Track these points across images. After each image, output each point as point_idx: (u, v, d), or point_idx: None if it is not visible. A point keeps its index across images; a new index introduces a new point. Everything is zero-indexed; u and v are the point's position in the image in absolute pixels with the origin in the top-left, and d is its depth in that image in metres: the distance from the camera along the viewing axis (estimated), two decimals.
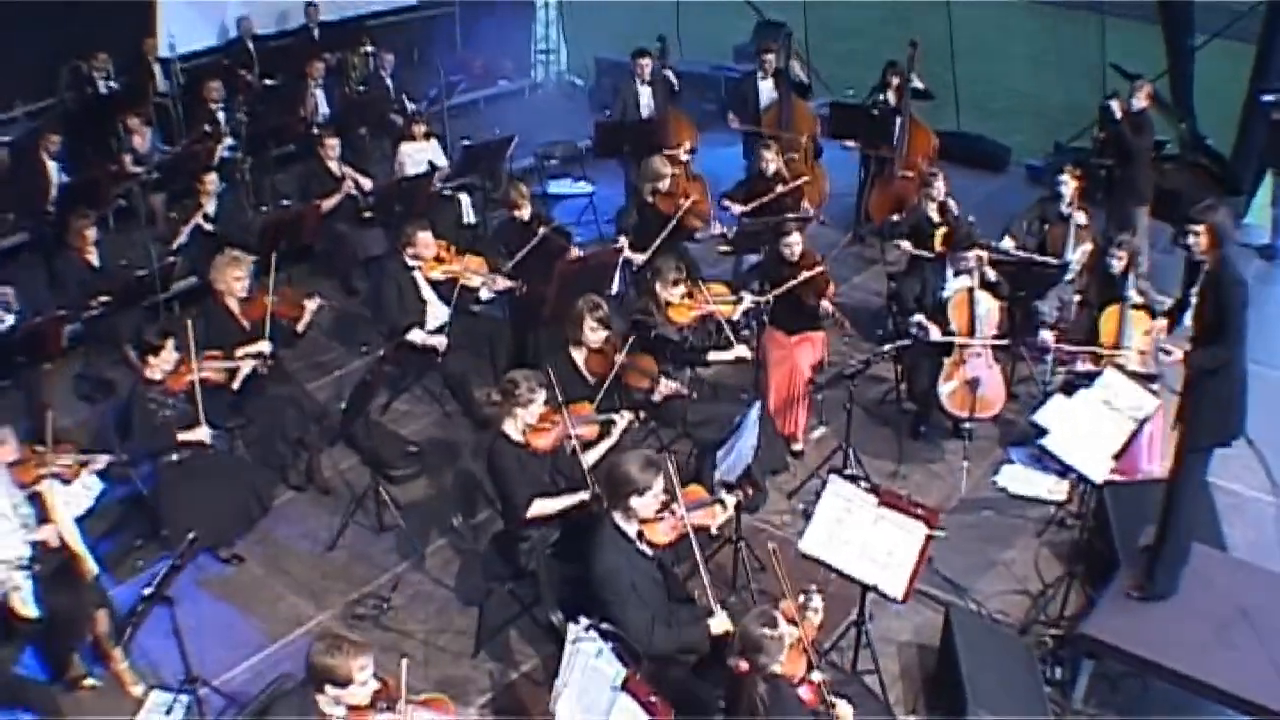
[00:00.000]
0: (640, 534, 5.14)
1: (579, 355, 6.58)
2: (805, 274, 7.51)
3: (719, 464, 6.00)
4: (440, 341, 7.50)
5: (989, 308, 7.59)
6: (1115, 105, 9.31)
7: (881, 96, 10.40)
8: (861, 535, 5.42)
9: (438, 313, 7.67)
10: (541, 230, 8.08)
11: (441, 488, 7.36)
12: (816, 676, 4.71)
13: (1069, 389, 6.64)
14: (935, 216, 8.75)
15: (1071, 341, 7.52)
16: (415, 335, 7.51)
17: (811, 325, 7.81)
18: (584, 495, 5.63)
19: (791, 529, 6.98)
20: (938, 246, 8.43)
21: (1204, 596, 5.89)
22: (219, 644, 6.03)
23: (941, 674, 5.86)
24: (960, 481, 7.49)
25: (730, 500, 5.63)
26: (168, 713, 5.40)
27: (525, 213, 8.28)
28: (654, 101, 10.29)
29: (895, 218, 10.23)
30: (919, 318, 7.57)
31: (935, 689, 5.91)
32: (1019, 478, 7.57)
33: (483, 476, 5.98)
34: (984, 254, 7.62)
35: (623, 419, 6.07)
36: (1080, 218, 8.62)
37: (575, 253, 8.18)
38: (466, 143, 10.27)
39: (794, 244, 7.65)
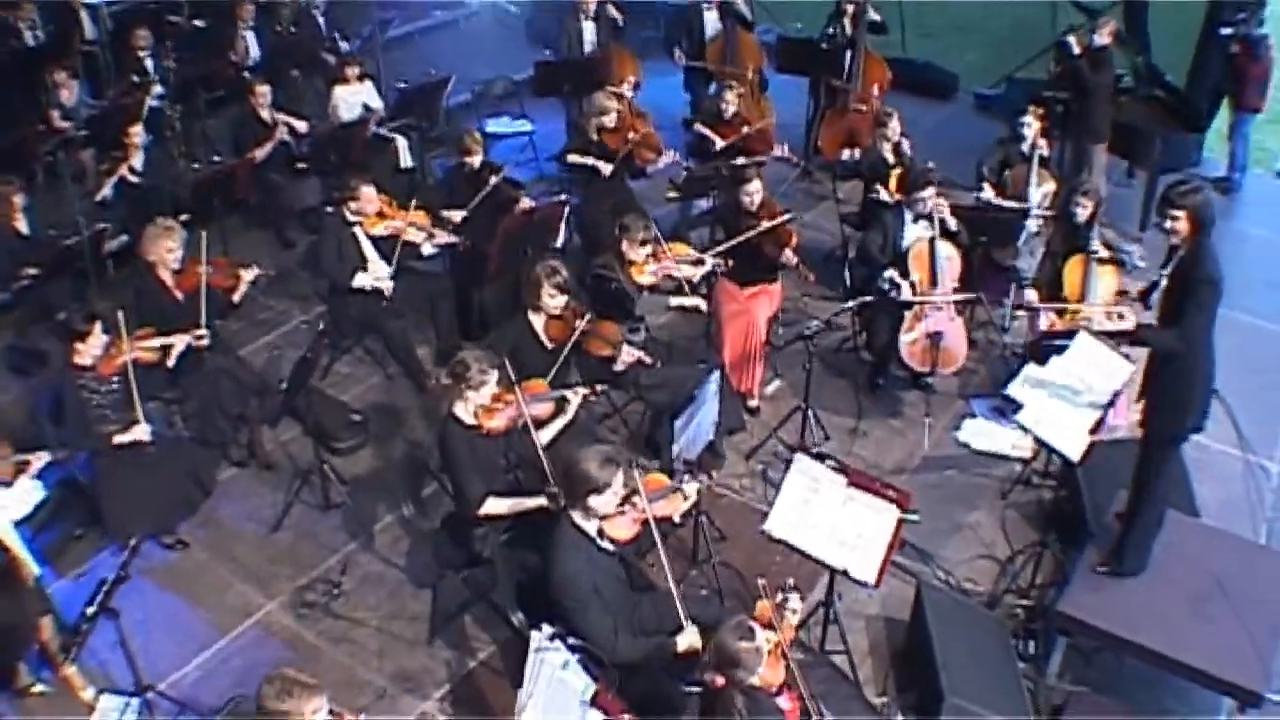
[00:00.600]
0: (601, 531, 4.86)
1: (538, 321, 6.23)
2: (766, 224, 7.17)
3: (677, 436, 5.70)
4: (388, 285, 7.15)
5: (950, 256, 7.32)
6: (1073, 41, 9.00)
7: (834, 29, 9.98)
8: (830, 517, 5.20)
9: (379, 270, 7.27)
10: (493, 179, 7.66)
11: (388, 458, 7.03)
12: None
13: (1038, 353, 6.43)
14: (890, 157, 8.47)
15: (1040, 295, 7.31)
16: (361, 279, 7.16)
17: (767, 277, 7.50)
18: (541, 500, 5.33)
19: (751, 493, 6.83)
20: (892, 188, 8.25)
21: (1177, 567, 5.76)
22: (168, 639, 5.74)
23: (912, 651, 5.70)
24: (923, 438, 7.31)
25: (692, 488, 5.36)
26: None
27: (476, 160, 7.86)
28: (597, 37, 9.83)
29: (846, 154, 10.00)
30: (891, 273, 7.28)
31: (906, 665, 5.75)
32: (982, 432, 7.40)
33: (430, 449, 5.74)
34: (941, 199, 7.34)
35: (576, 395, 5.77)
36: (1044, 148, 8.38)
37: (526, 203, 7.79)
38: (402, 85, 9.82)
39: (754, 192, 7.30)
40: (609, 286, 6.55)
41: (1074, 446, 5.46)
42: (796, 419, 7.07)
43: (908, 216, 7.40)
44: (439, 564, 5.70)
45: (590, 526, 4.78)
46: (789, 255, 7.28)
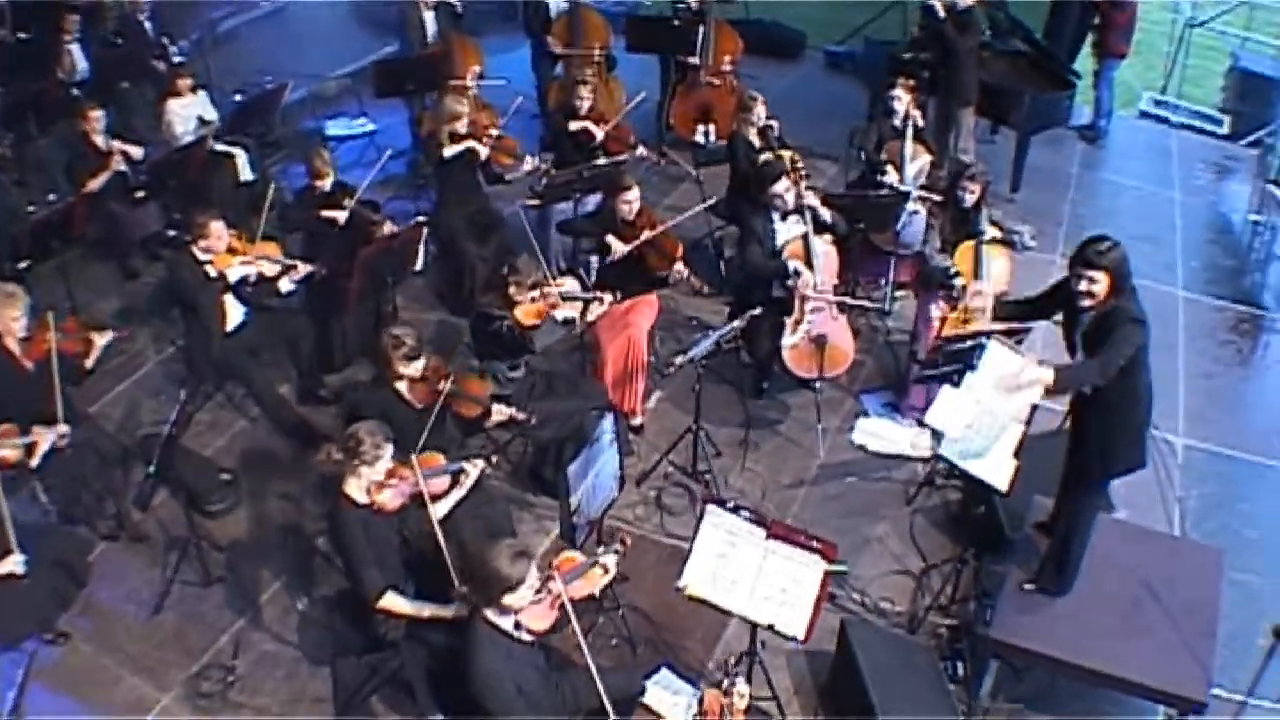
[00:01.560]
0: (517, 624, 4.37)
1: (402, 386, 5.69)
2: (647, 234, 6.74)
3: (573, 487, 5.21)
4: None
5: (826, 252, 6.96)
6: (938, 4, 8.71)
7: (683, 2, 9.49)
8: (751, 572, 4.82)
9: (234, 312, 6.65)
10: (347, 203, 7.05)
11: (263, 517, 6.43)
12: None
13: (938, 359, 6.12)
14: (756, 141, 8.07)
15: (930, 287, 7.01)
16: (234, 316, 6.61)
17: (644, 287, 7.00)
18: (447, 611, 4.82)
19: (648, 523, 6.44)
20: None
21: (1105, 574, 5.57)
22: None
23: (841, 686, 5.38)
24: (816, 444, 6.99)
25: (611, 559, 4.94)
26: None
27: (327, 183, 7.21)
28: (436, 26, 9.21)
29: (701, 130, 9.61)
30: (795, 264, 6.82)
31: (835, 702, 5.44)
32: (877, 433, 7.12)
33: (309, 510, 5.64)
34: (809, 193, 6.96)
35: (474, 467, 5.31)
36: (918, 118, 8.10)
37: (387, 227, 7.17)
38: (238, 97, 9.18)
39: (632, 200, 6.83)
40: (495, 329, 6.07)
41: (1001, 477, 5.20)
42: (687, 439, 6.68)
43: (774, 214, 6.97)
44: (336, 649, 5.22)
45: (506, 622, 4.35)
46: (680, 269, 6.85)
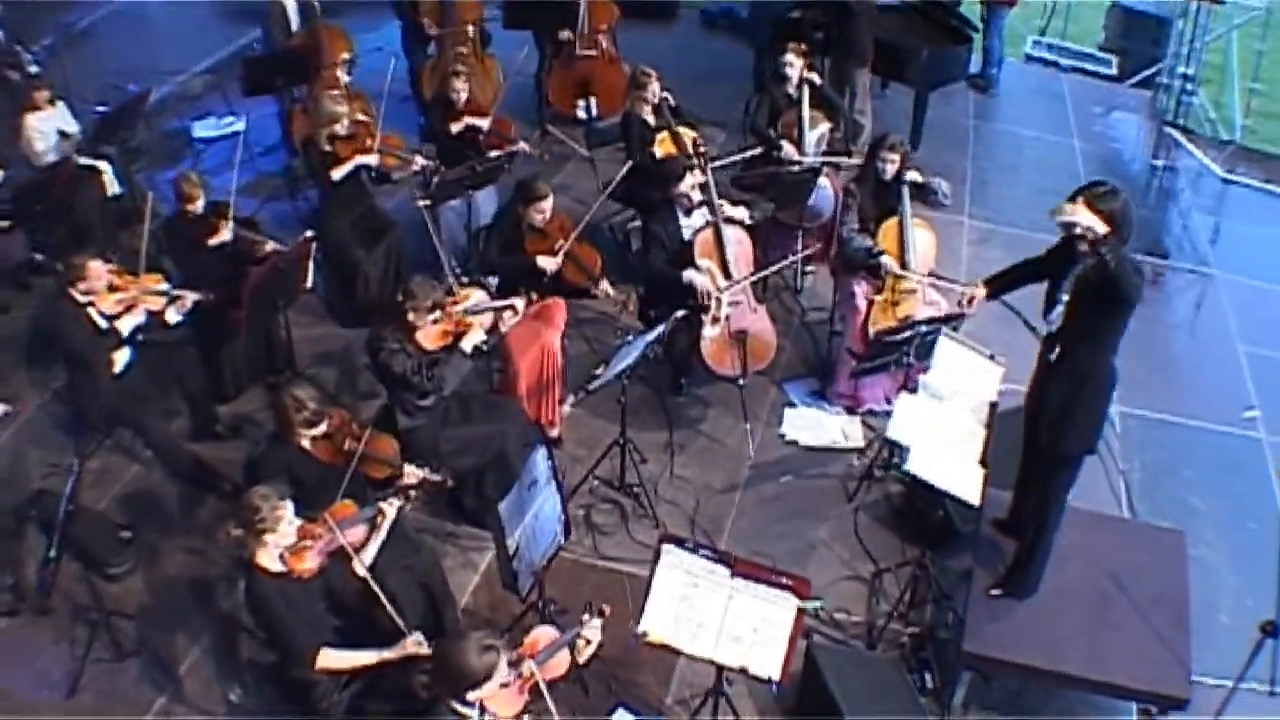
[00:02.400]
0: (483, 709, 3.99)
1: (306, 443, 5.16)
2: (563, 244, 6.34)
3: (508, 529, 4.77)
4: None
5: (739, 240, 6.64)
6: None
7: None
8: (717, 614, 4.46)
9: (121, 354, 6.00)
10: (225, 226, 6.44)
11: (170, 578, 5.84)
12: None
13: (884, 355, 5.84)
14: (651, 119, 7.65)
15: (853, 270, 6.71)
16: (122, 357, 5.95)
17: (552, 290, 6.55)
18: (395, 652, 4.46)
19: (580, 546, 6.02)
20: (664, 150, 7.51)
21: (1071, 570, 5.42)
22: None
23: (811, 713, 5.08)
24: (743, 443, 6.65)
25: (594, 628, 4.54)
26: None
27: (199, 205, 6.55)
28: (300, 15, 8.56)
29: (581, 104, 9.15)
30: (690, 274, 6.43)
31: None
32: (806, 424, 6.84)
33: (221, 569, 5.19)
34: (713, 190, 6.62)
35: (391, 507, 4.84)
36: (816, 79, 7.79)
37: (270, 246, 6.58)
38: (101, 109, 8.36)
39: (546, 208, 6.36)
40: (398, 373, 5.48)
41: (971, 489, 4.97)
42: (612, 453, 6.26)
43: (679, 210, 6.60)
44: None
45: (473, 713, 3.94)
46: (606, 287, 6.54)
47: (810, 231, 7.67)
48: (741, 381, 6.63)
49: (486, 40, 9.00)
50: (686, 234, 6.56)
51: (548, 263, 6.45)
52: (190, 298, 6.14)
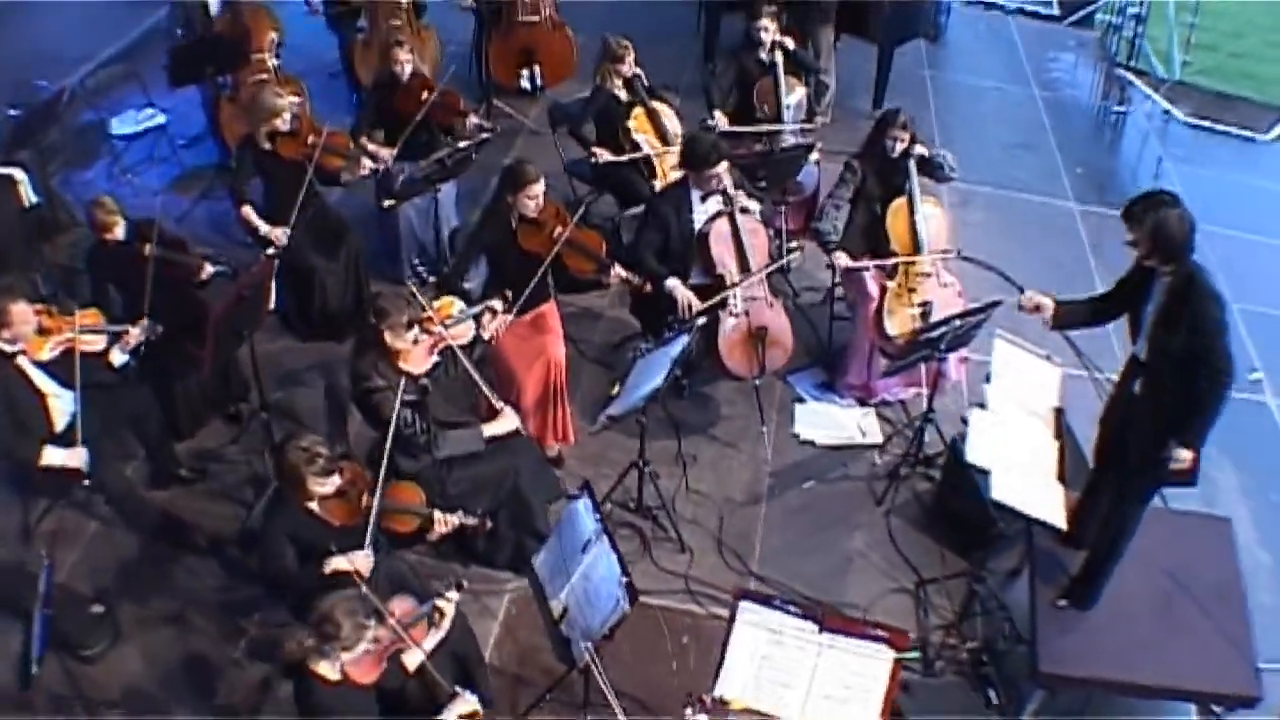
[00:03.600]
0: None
1: (315, 506, 4.71)
2: (561, 231, 5.84)
3: (548, 590, 4.52)
4: (82, 458, 5.26)
5: (753, 229, 6.34)
6: None
7: None
8: (805, 672, 4.22)
9: (63, 404, 5.42)
10: (149, 252, 5.77)
11: (154, 653, 5.30)
12: None
13: (919, 353, 5.66)
14: (623, 94, 7.30)
15: (858, 256, 6.49)
16: (52, 456, 5.28)
17: (543, 295, 6.15)
18: None
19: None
20: (637, 130, 7.22)
21: (1130, 571, 5.27)
22: None
23: None
24: (758, 447, 6.43)
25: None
26: None
27: (119, 230, 5.92)
28: None
29: (525, 74, 8.79)
30: (672, 283, 6.14)
31: None
32: (819, 421, 6.65)
33: None
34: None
35: (450, 605, 4.48)
36: (789, 43, 7.49)
37: (207, 269, 6.07)
38: (13, 113, 7.66)
39: (539, 193, 5.83)
40: (387, 419, 5.02)
41: (1057, 511, 4.82)
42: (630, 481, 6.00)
43: (694, 195, 6.25)
44: None
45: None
46: (619, 271, 6.03)
47: (791, 206, 7.46)
48: (757, 381, 6.42)
49: (421, 10, 8.50)
50: (699, 223, 6.26)
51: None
52: (135, 334, 5.58)
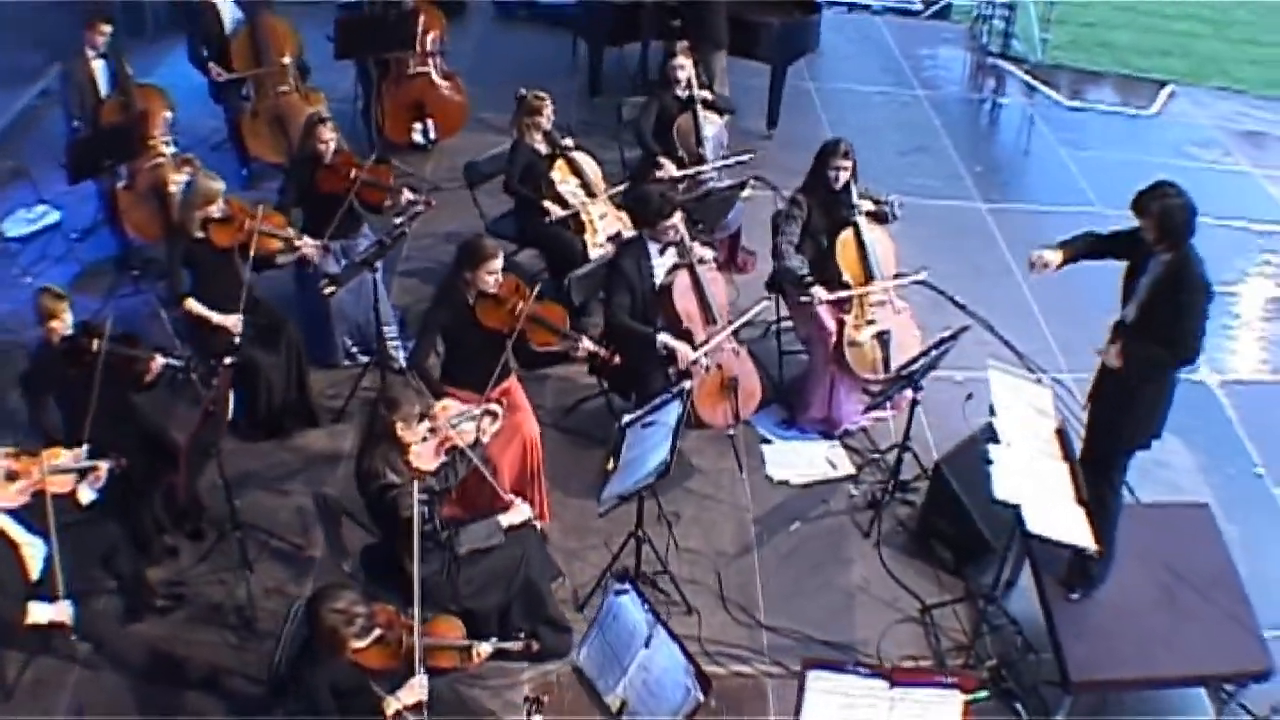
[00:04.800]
0: None
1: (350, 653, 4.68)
2: (521, 306, 5.89)
3: (603, 687, 4.61)
4: (68, 613, 5.12)
5: (713, 278, 6.56)
6: None
7: None
8: None
9: (36, 551, 5.26)
10: (97, 347, 5.66)
11: None
12: None
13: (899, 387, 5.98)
14: (543, 148, 7.43)
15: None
16: (38, 614, 5.12)
17: (505, 371, 6.14)
18: None
19: None
20: (561, 182, 7.37)
21: (1129, 568, 5.75)
22: None
23: None
24: (743, 498, 6.65)
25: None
26: None
27: (66, 323, 5.74)
28: (108, 79, 7.73)
29: (419, 129, 8.82)
30: (664, 338, 6.34)
31: None
32: (789, 461, 6.89)
33: None
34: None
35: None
36: (707, 95, 7.78)
37: (157, 361, 5.91)
38: None
39: (498, 268, 5.86)
40: (406, 518, 4.97)
41: (1085, 534, 5.13)
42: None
43: (652, 248, 6.43)
44: None
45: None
46: (588, 344, 6.05)
47: (717, 244, 7.69)
48: (732, 431, 6.63)
49: (306, 72, 8.47)
50: (659, 277, 6.43)
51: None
52: (104, 467, 5.45)
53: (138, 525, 5.91)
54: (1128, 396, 5.32)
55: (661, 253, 6.42)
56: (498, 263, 5.88)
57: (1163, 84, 11.58)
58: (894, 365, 6.68)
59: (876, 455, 6.89)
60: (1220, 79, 11.91)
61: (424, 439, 5.27)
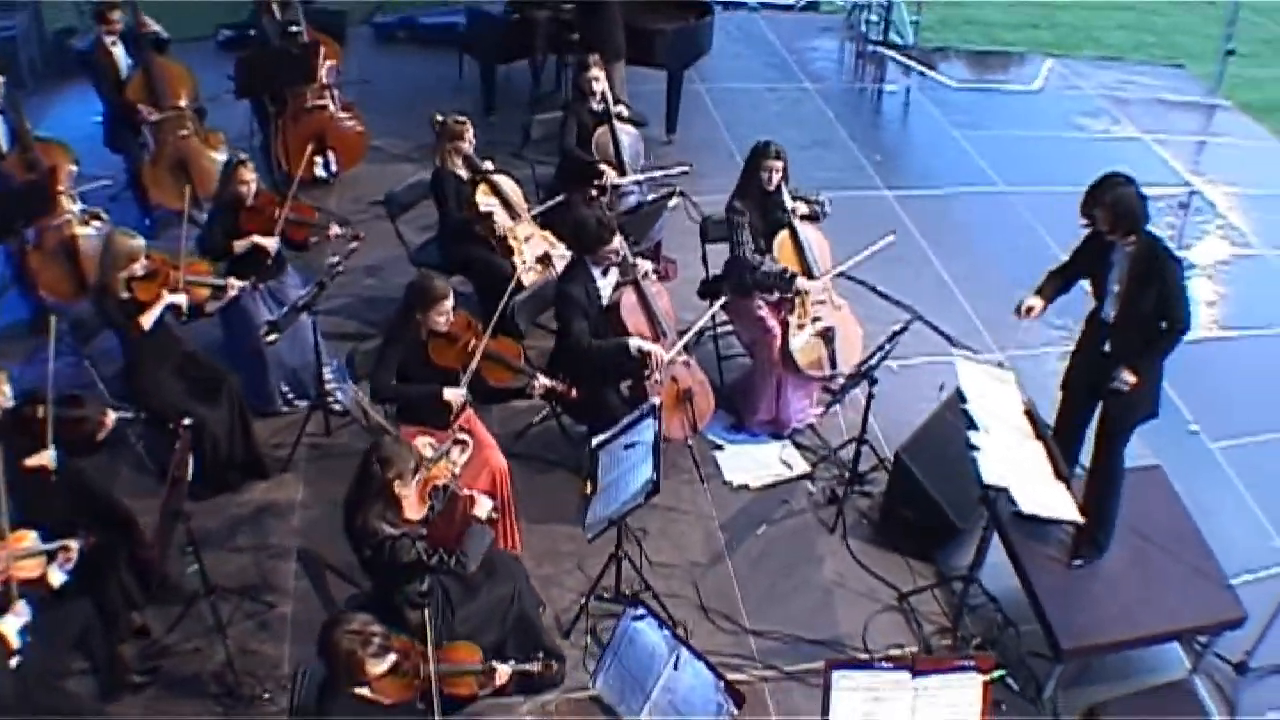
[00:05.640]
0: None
1: (367, 691, 4.62)
2: (474, 344, 5.91)
3: (626, 710, 4.72)
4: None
5: (659, 292, 6.69)
6: None
7: (260, 27, 8.44)
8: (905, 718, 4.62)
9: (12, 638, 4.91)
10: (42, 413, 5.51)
11: None
12: None
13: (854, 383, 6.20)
14: (464, 172, 7.44)
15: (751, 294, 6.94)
16: None
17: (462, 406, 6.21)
18: None
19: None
20: (485, 201, 7.40)
21: None
22: None
23: None
24: (706, 506, 6.77)
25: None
26: None
27: (6, 395, 5.57)
28: (7, 134, 7.49)
29: (320, 163, 8.73)
30: (637, 343, 6.39)
31: None
32: (745, 465, 7.03)
33: None
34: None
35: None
36: (623, 110, 7.90)
37: (109, 417, 5.81)
38: None
39: (449, 308, 5.87)
40: (412, 562, 5.02)
41: (1071, 508, 5.40)
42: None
43: (594, 270, 6.47)
44: None
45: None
46: (543, 381, 6.11)
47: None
48: (689, 442, 6.73)
49: (203, 115, 8.32)
50: (605, 297, 6.49)
51: (454, 394, 5.98)
52: (75, 546, 5.28)
53: (105, 602, 5.74)
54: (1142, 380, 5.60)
55: (605, 273, 6.49)
56: (449, 303, 5.90)
57: (1042, 59, 12.11)
58: (840, 360, 6.88)
59: (827, 454, 7.07)
60: (1090, 46, 12.54)
61: (414, 489, 5.25)
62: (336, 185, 8.96)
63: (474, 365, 5.93)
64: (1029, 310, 5.92)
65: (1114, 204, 5.36)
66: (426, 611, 4.88)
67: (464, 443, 5.66)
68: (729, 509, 6.78)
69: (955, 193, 9.55)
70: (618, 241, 6.35)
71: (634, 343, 6.34)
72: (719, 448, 7.13)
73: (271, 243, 6.85)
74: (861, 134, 10.23)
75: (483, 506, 5.35)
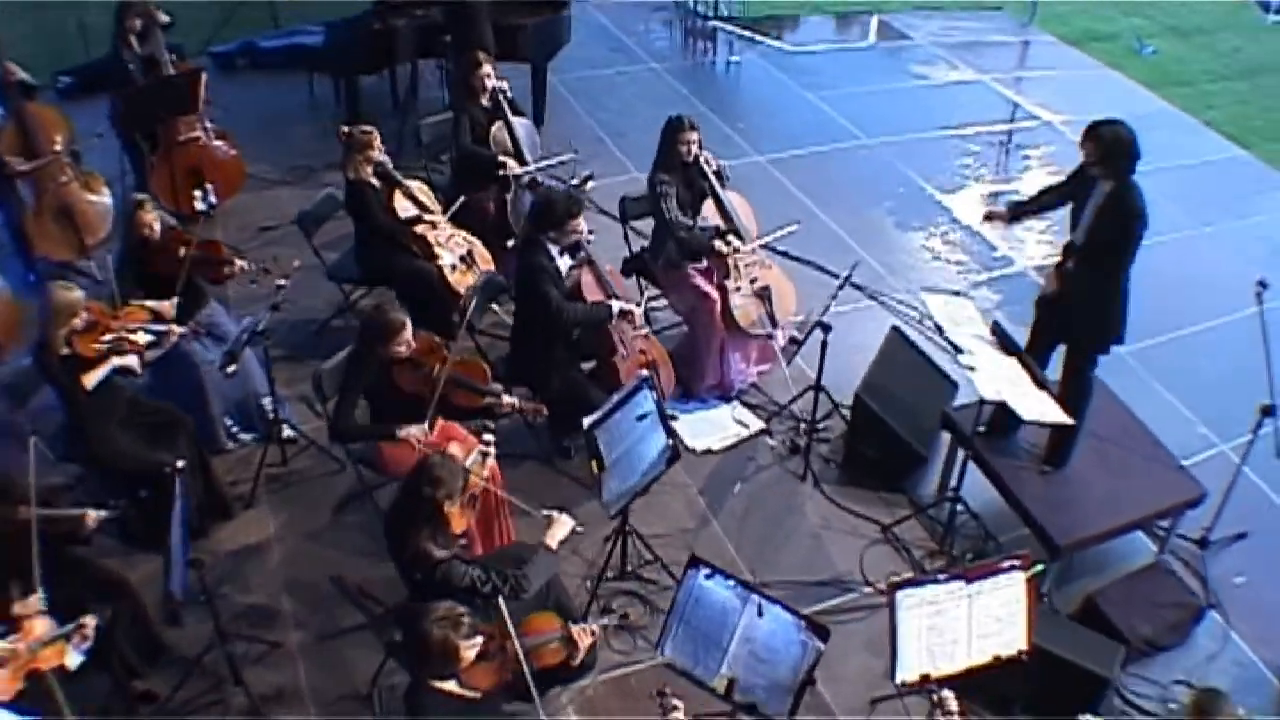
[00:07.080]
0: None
1: (453, 685, 4.67)
2: (439, 369, 6.00)
3: (704, 671, 4.93)
4: None
5: (612, 271, 6.94)
6: None
7: (124, 58, 8.21)
8: (964, 625, 4.98)
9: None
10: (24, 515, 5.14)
11: None
12: None
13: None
14: (377, 182, 7.46)
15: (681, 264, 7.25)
16: None
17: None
18: None
19: (622, 655, 6.05)
20: (402, 207, 7.47)
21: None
22: None
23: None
24: (679, 475, 6.90)
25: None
26: None
27: None
28: None
29: (200, 195, 8.56)
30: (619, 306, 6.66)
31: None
32: (704, 430, 7.31)
33: None
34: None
35: None
36: (504, 85, 8.05)
37: (90, 517, 5.55)
38: None
39: (409, 336, 5.92)
40: (468, 585, 5.08)
41: (1058, 412, 5.88)
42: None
43: (553, 250, 6.61)
44: None
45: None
46: (512, 400, 6.25)
47: None
48: None
49: (79, 158, 8.06)
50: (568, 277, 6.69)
51: (413, 432, 5.98)
52: (91, 624, 5.00)
53: (111, 673, 5.59)
54: (1084, 315, 6.16)
55: (562, 254, 6.65)
56: (407, 332, 5.96)
57: (869, 16, 12.86)
58: (778, 317, 7.23)
59: (779, 409, 7.43)
60: None
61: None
62: (219, 217, 8.76)
63: (438, 394, 6.00)
64: (998, 217, 6.56)
65: (1107, 139, 5.79)
66: (501, 601, 4.95)
67: (487, 452, 5.79)
68: (701, 474, 7.05)
69: (825, 150, 10.04)
70: (582, 225, 6.54)
71: (617, 305, 6.56)
72: (673, 418, 7.31)
73: (168, 305, 6.68)
74: (719, 106, 10.62)
75: (562, 525, 5.45)
